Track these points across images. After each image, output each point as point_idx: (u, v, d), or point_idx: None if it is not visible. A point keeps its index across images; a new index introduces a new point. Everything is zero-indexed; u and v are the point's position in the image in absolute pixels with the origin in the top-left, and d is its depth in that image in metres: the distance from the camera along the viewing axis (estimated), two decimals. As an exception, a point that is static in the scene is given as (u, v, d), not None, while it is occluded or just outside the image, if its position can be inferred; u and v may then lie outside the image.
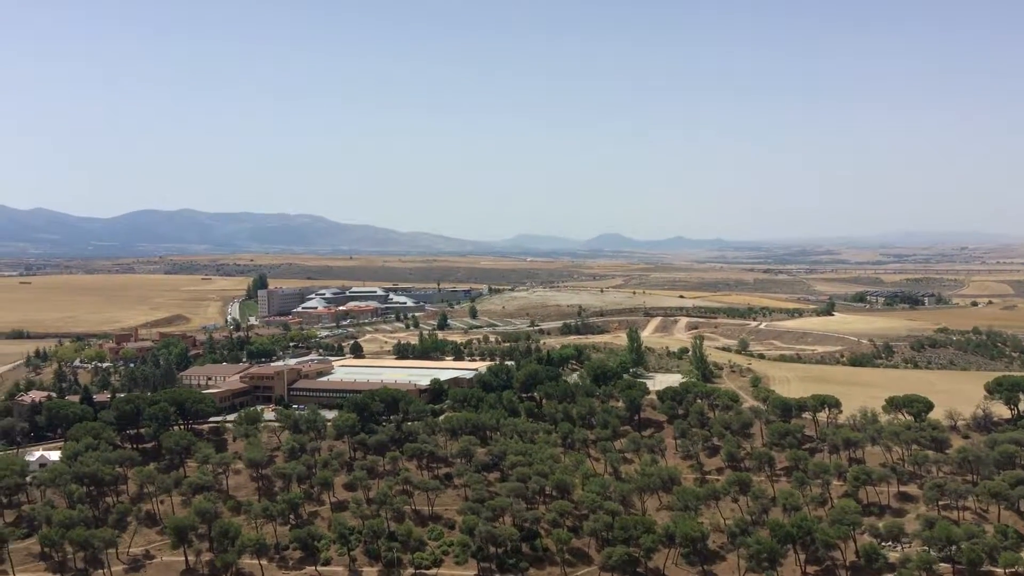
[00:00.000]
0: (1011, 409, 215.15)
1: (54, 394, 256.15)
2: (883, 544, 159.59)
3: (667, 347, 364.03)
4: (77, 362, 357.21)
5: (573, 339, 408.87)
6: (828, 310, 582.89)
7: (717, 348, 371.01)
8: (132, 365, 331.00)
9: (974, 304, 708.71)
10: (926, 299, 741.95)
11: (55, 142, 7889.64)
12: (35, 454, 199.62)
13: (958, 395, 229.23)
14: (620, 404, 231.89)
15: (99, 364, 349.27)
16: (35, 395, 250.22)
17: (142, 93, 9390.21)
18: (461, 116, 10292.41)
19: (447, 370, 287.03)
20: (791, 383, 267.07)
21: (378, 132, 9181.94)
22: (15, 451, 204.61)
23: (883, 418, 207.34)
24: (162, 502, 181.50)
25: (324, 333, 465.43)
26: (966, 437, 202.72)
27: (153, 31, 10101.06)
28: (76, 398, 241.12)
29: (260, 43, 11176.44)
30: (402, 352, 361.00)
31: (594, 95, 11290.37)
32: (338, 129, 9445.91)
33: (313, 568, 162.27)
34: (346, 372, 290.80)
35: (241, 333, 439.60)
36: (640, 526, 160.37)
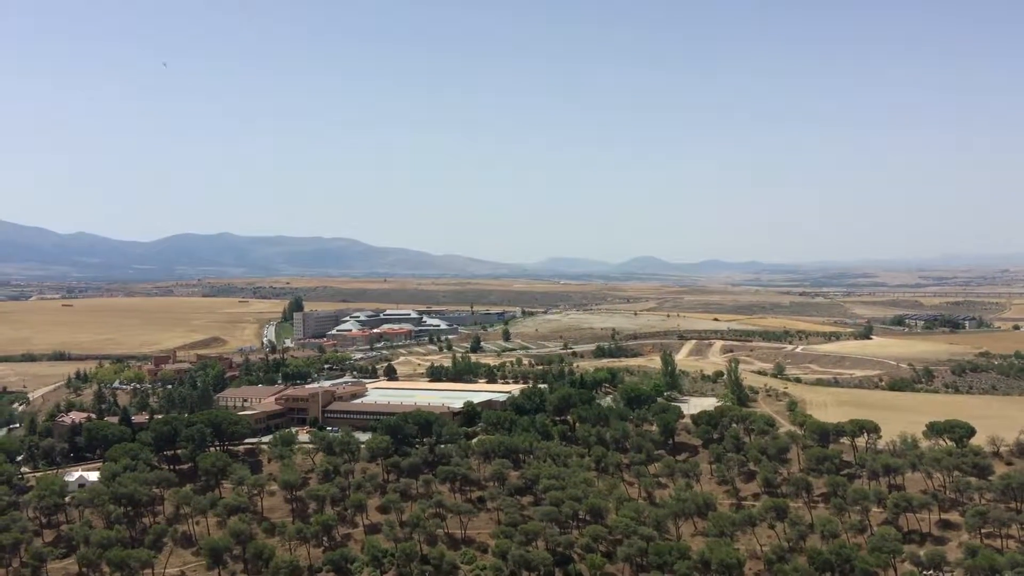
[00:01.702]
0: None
1: (94, 415, 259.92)
2: (924, 573, 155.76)
3: (702, 370, 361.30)
4: (116, 383, 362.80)
5: (607, 362, 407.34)
6: (866, 334, 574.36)
7: (752, 372, 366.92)
8: (170, 387, 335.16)
9: (1016, 328, 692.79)
10: (967, 322, 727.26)
11: (97, 167, 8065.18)
12: (74, 474, 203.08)
13: (1001, 420, 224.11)
14: (654, 428, 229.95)
15: (138, 385, 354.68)
16: (75, 416, 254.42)
17: (184, 121, 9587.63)
18: (494, 139, 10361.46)
19: (480, 393, 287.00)
20: (828, 407, 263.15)
21: (412, 155, 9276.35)
22: (55, 471, 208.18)
23: (923, 444, 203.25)
24: (197, 523, 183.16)
25: (358, 355, 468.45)
26: (1009, 464, 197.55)
27: (196, 60, 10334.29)
28: (115, 419, 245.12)
29: (293, 72, 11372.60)
30: (435, 375, 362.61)
31: (629, 121, 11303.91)
32: (373, 153, 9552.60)
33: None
34: (380, 394, 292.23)
35: (277, 355, 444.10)
36: (675, 552, 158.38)
